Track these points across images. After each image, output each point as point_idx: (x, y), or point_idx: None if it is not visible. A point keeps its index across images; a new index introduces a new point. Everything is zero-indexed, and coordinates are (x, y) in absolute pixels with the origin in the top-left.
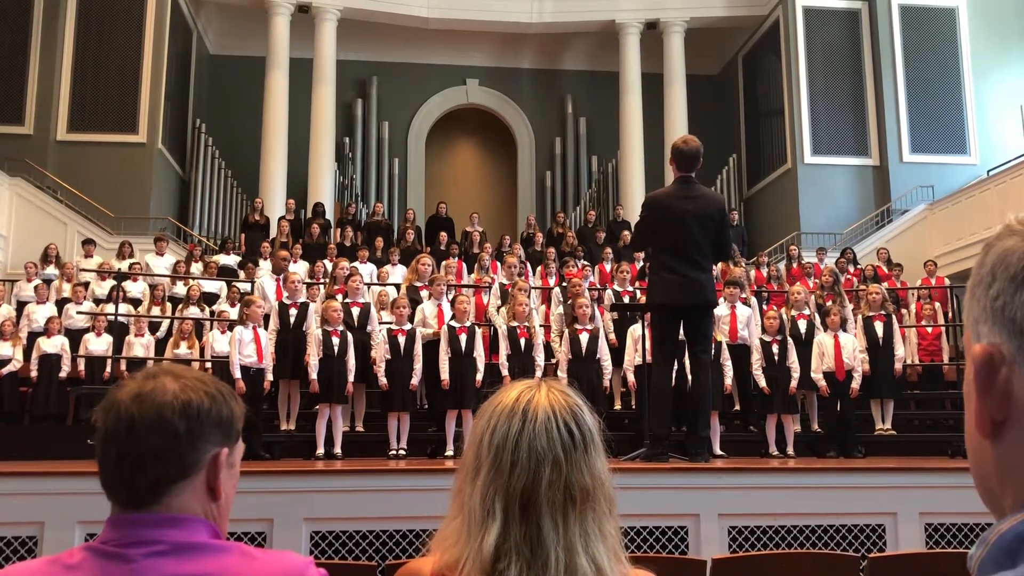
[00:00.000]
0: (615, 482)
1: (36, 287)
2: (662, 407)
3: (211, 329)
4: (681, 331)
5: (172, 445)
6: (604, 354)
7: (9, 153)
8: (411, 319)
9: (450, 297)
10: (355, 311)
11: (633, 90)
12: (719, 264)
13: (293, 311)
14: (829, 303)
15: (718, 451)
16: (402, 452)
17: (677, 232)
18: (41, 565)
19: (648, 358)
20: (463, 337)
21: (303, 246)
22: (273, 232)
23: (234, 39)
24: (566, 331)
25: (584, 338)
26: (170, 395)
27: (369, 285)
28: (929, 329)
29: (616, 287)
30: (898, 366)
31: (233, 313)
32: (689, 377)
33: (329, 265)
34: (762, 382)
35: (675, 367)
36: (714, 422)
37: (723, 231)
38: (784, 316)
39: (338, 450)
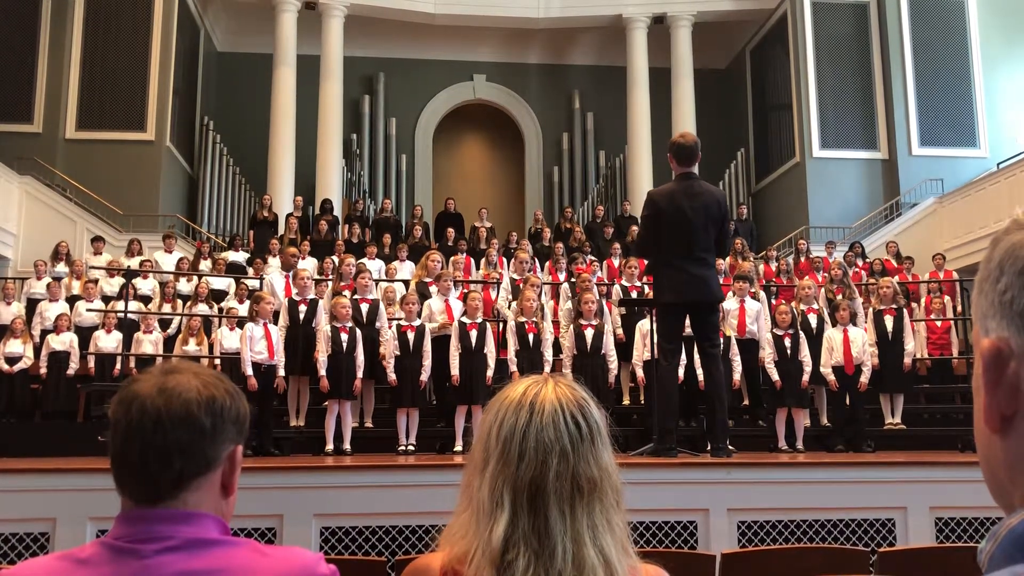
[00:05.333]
0: (624, 477)
1: (48, 285)
2: (669, 403)
3: (220, 326)
4: (688, 327)
5: (198, 440)
6: (609, 349)
7: (18, 151)
8: (420, 315)
9: (457, 293)
10: (364, 307)
11: (640, 85)
12: (726, 259)
13: (303, 307)
14: (839, 297)
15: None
16: (411, 448)
17: (683, 230)
18: (53, 561)
19: (656, 353)
20: (473, 333)
21: (311, 243)
22: (282, 229)
23: (241, 36)
24: (571, 326)
25: (589, 333)
26: (194, 391)
27: (377, 281)
28: (939, 323)
29: (624, 282)
30: (907, 360)
31: (242, 310)
32: (699, 373)
33: (337, 261)
34: (775, 375)
35: (684, 363)
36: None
37: (724, 227)
38: (794, 310)
39: (347, 446)
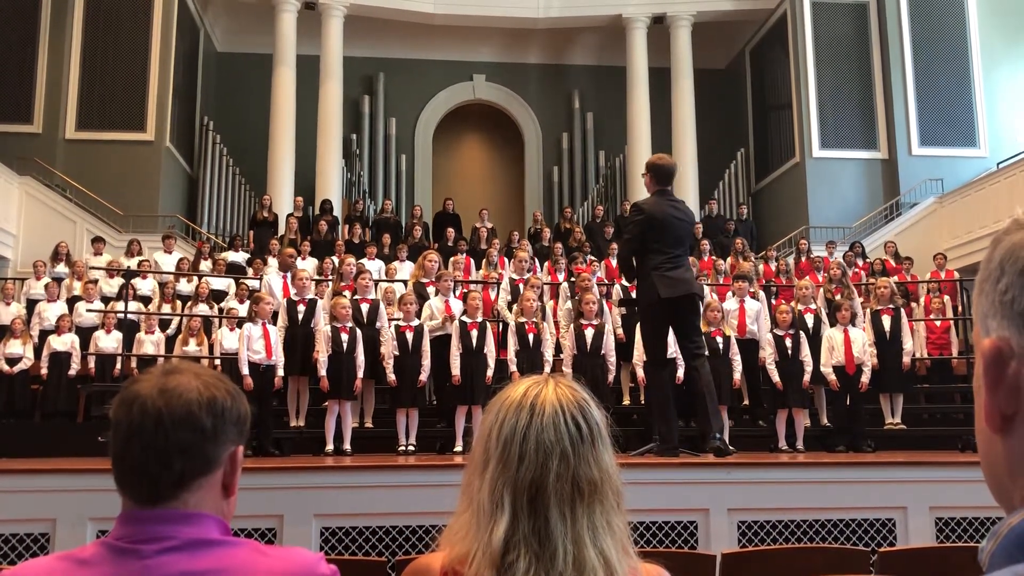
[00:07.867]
0: (624, 477)
1: (47, 285)
2: (664, 404)
3: (220, 326)
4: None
5: (199, 440)
6: (609, 349)
7: (18, 152)
8: (418, 315)
9: (457, 293)
10: (364, 307)
11: (640, 85)
12: (727, 260)
13: (302, 308)
14: (838, 297)
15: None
16: (411, 448)
17: (669, 236)
18: (54, 561)
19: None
20: (474, 333)
21: (311, 243)
22: (282, 229)
23: (241, 36)
24: (571, 326)
25: (589, 333)
26: (195, 391)
27: (377, 282)
28: (938, 323)
29: (624, 282)
30: (906, 360)
31: (242, 310)
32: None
33: (337, 262)
34: (775, 376)
35: (682, 363)
36: (723, 416)
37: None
38: (794, 310)
39: (347, 446)
